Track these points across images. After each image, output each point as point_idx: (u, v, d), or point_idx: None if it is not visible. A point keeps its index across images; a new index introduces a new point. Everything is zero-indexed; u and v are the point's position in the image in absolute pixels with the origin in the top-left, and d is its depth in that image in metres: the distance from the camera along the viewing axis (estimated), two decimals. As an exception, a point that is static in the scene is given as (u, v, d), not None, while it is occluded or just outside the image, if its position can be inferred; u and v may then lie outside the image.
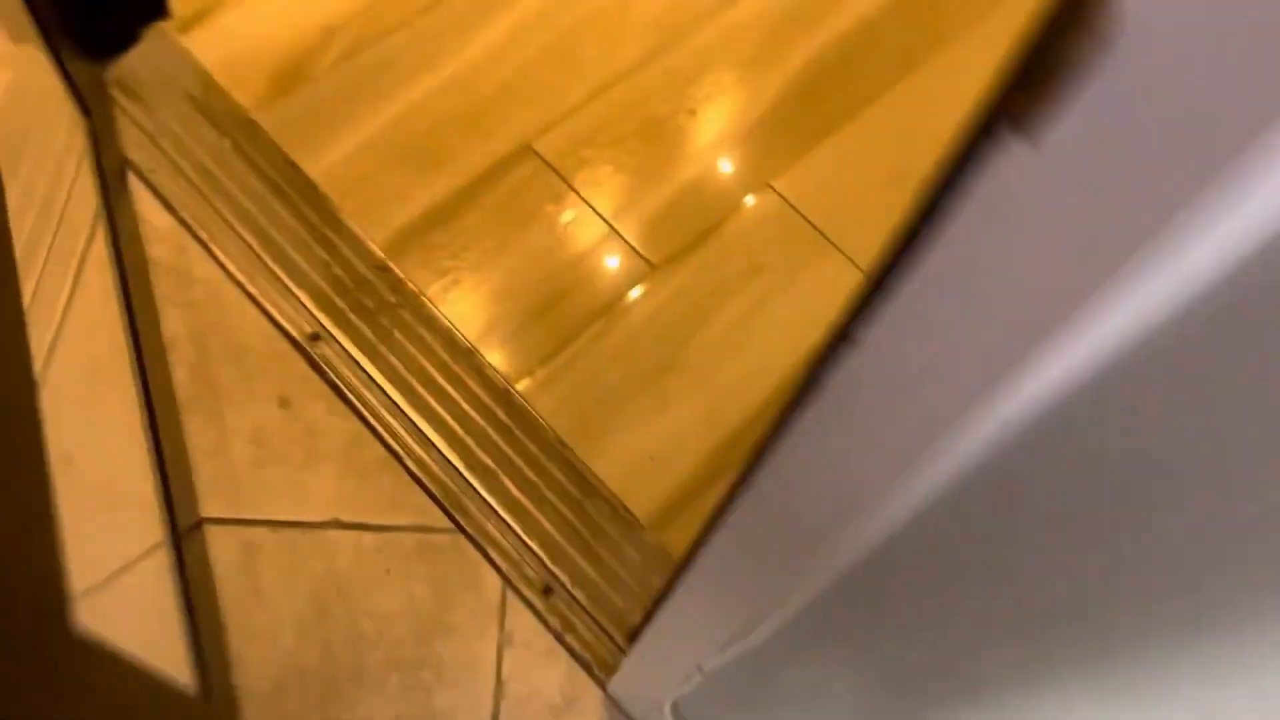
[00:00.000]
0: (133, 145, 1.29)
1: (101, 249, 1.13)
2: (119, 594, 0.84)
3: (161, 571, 0.99)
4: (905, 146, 1.41)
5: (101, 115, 1.20)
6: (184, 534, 1.06)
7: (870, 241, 1.35)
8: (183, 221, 1.26)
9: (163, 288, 1.22)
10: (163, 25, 1.36)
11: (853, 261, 1.34)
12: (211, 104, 1.33)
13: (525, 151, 1.36)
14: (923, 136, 1.42)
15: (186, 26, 1.37)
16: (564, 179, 1.35)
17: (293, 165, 1.31)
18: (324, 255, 1.26)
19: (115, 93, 1.32)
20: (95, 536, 0.80)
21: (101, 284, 1.11)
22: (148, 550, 0.97)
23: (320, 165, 1.31)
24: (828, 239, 1.35)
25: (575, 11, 1.46)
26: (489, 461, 1.18)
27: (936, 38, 1.51)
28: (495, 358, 1.24)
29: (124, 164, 1.27)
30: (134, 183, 1.27)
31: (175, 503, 1.05)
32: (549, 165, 1.35)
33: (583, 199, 1.34)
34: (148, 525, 1.00)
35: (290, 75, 1.36)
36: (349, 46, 1.39)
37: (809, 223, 1.36)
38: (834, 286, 1.33)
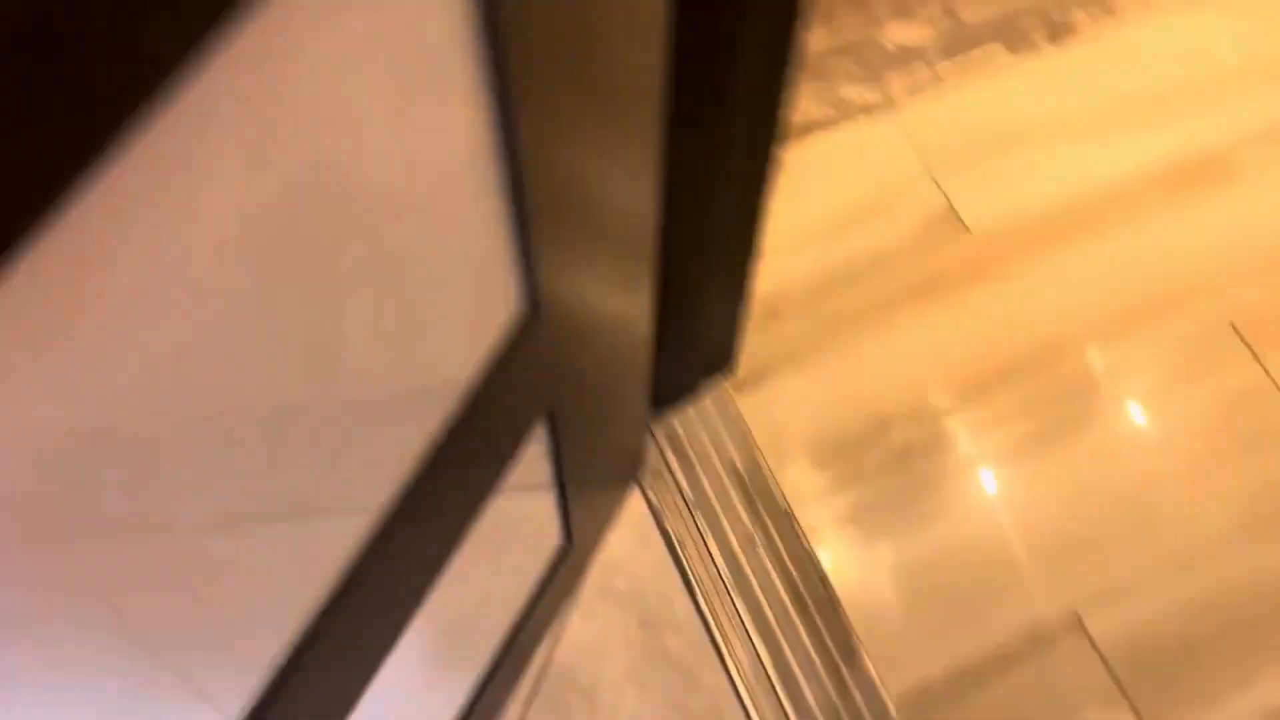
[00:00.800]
0: (669, 512, 1.26)
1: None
2: None
3: None
4: None
5: (583, 543, 1.17)
6: None
7: None
8: (701, 613, 1.21)
9: (667, 688, 1.17)
10: (723, 382, 1.34)
11: None
12: (752, 481, 1.28)
13: (1073, 626, 1.20)
14: None
15: (741, 386, 1.34)
16: (1114, 676, 1.17)
17: (822, 577, 1.23)
18: (834, 695, 1.17)
19: (663, 447, 1.30)
20: None
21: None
22: None
23: (848, 580, 1.23)
24: None
25: (1154, 465, 1.29)
26: None
27: None
28: None
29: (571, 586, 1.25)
30: (663, 552, 1.25)
31: None
32: (1098, 651, 1.19)
33: (1131, 704, 1.16)
34: None
35: (835, 464, 1.29)
36: (901, 447, 1.30)
37: None
38: None
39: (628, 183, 0.77)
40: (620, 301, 0.88)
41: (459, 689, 1.00)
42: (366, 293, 0.46)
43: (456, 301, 0.57)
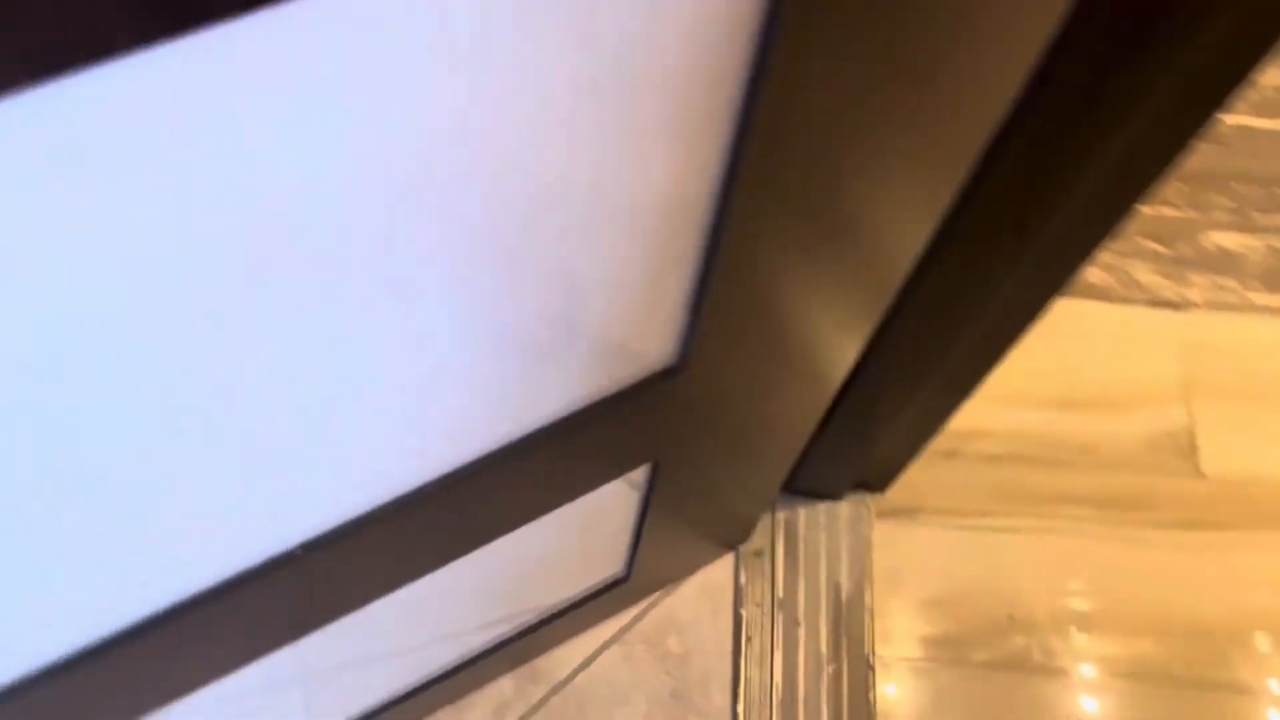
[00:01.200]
0: (751, 599, 1.17)
1: None
2: None
3: None
4: None
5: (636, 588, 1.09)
6: None
7: None
8: (735, 716, 1.12)
9: (667, 772, 1.09)
10: (866, 497, 1.23)
11: None
12: (849, 610, 1.17)
13: None
14: None
15: (884, 512, 1.23)
16: None
17: (871, 745, 1.11)
18: None
19: (775, 531, 1.21)
20: None
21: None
22: None
23: (896, 762, 1.11)
24: None
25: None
26: None
27: None
28: None
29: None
30: (728, 634, 1.15)
31: None
32: None
33: None
34: None
35: (941, 636, 1.17)
36: (1017, 653, 1.16)
37: None
38: None
39: (863, 273, 0.67)
40: (788, 391, 0.79)
41: (448, 646, 0.96)
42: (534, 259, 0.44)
43: (606, 311, 0.51)
